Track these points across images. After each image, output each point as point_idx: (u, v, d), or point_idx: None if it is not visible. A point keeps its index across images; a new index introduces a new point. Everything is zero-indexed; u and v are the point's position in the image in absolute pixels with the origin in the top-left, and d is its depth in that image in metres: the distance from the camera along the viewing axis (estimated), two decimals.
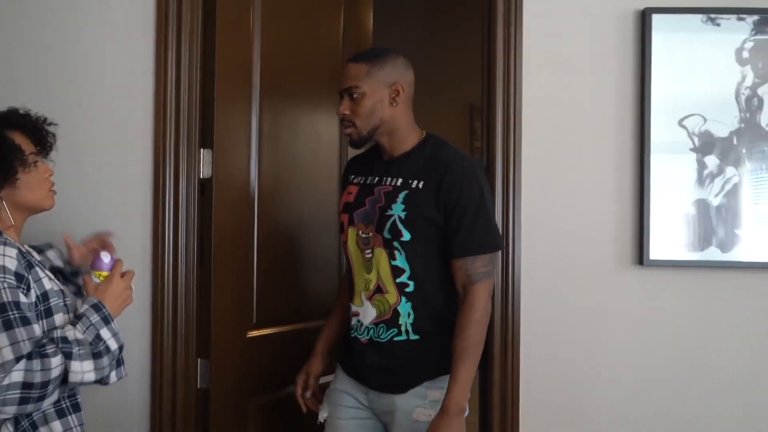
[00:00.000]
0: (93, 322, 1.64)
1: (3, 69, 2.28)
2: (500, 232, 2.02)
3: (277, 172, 2.46)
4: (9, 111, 1.73)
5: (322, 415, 2.08)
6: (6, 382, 1.49)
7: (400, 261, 1.94)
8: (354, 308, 2.03)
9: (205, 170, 2.24)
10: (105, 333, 1.65)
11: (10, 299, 1.54)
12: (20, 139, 1.68)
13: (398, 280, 1.95)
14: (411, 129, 2.02)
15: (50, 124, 1.79)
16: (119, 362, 1.71)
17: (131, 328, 2.16)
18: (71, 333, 1.61)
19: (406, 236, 1.91)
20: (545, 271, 2.27)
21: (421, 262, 1.94)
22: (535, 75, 2.26)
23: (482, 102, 2.36)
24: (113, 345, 1.66)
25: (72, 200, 2.20)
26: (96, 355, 1.62)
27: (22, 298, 1.57)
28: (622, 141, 2.25)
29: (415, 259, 1.93)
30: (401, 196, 1.94)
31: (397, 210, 1.93)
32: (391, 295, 1.96)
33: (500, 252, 2.04)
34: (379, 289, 1.97)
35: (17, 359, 1.51)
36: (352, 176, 2.11)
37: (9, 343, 1.51)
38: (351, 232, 2.03)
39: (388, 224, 1.93)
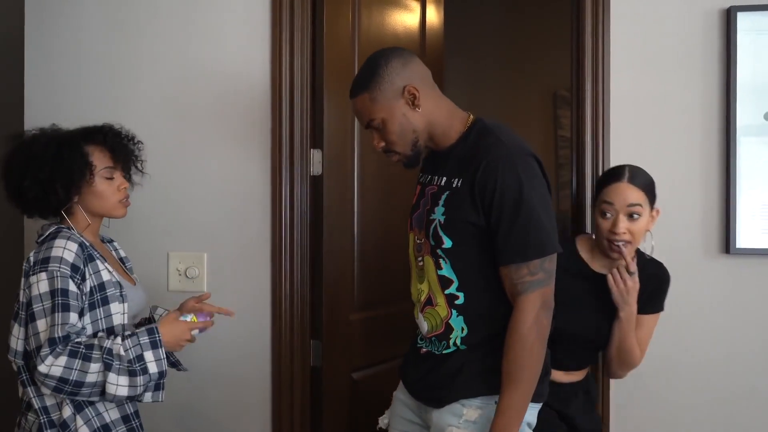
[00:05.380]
0: (141, 341, 1.73)
1: (123, 75, 2.49)
2: (552, 231, 1.69)
3: (372, 168, 2.62)
4: (95, 127, 1.91)
5: (383, 422, 2.00)
6: (45, 371, 1.63)
7: (447, 270, 1.73)
8: (416, 319, 1.89)
9: (315, 169, 2.42)
10: (148, 355, 1.72)
11: (59, 286, 1.69)
12: (97, 154, 1.86)
13: (447, 292, 1.74)
14: (450, 118, 1.79)
15: (137, 142, 1.97)
16: (159, 386, 1.77)
17: (255, 313, 2.40)
18: (117, 347, 1.70)
19: (447, 243, 1.71)
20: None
21: (470, 271, 1.72)
22: (622, 72, 2.32)
23: (572, 98, 2.44)
24: (153, 369, 1.72)
25: (202, 197, 2.44)
26: (131, 372, 1.69)
27: (72, 287, 1.71)
28: (707, 133, 2.29)
29: (462, 267, 1.72)
30: (443, 197, 1.74)
31: (438, 214, 1.73)
32: (441, 308, 1.76)
33: (555, 255, 1.70)
34: (430, 301, 1.79)
35: (50, 341, 1.65)
36: (420, 175, 1.93)
37: (48, 326, 1.68)
38: (411, 238, 1.88)
39: (431, 229, 1.74)
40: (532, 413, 1.76)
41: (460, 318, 1.74)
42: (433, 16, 2.94)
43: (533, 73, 4.88)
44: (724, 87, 2.28)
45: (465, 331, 1.74)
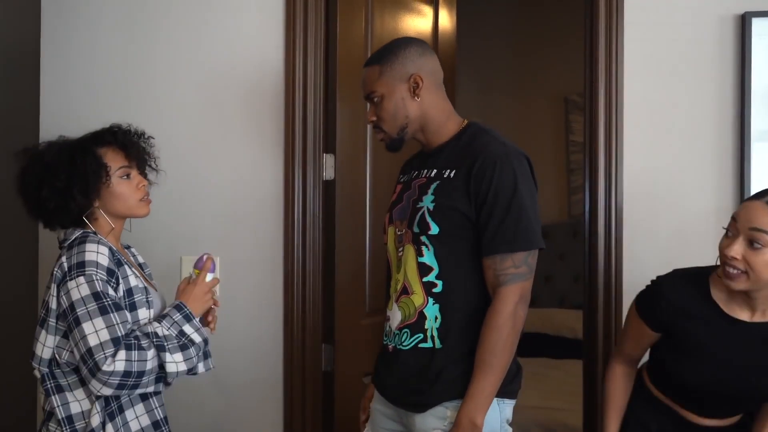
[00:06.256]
0: (176, 319, 1.77)
1: (136, 80, 2.50)
2: (538, 229, 1.75)
3: (384, 173, 2.60)
4: (104, 129, 1.90)
5: None
6: (110, 369, 1.64)
7: (428, 257, 1.77)
8: (387, 312, 1.89)
9: (327, 173, 2.43)
10: (188, 328, 1.78)
11: (102, 289, 1.70)
12: (110, 155, 1.84)
13: (425, 279, 1.77)
14: (447, 118, 1.86)
15: (148, 138, 1.95)
16: (206, 354, 1.83)
17: (267, 317, 2.41)
18: (159, 330, 1.74)
19: (434, 229, 1.74)
20: (647, 268, 2.25)
21: (452, 260, 1.76)
22: (635, 76, 2.32)
23: (584, 103, 2.44)
24: (197, 338, 1.78)
25: (215, 201, 2.46)
26: (183, 347, 1.75)
27: (110, 291, 1.72)
28: (721, 139, 2.29)
29: (444, 255, 1.76)
30: (432, 186, 1.79)
31: (427, 201, 1.78)
32: (417, 296, 1.79)
33: (537, 251, 1.75)
34: (405, 290, 1.81)
35: (113, 340, 1.66)
36: (400, 176, 2.00)
37: (105, 325, 1.67)
38: (390, 231, 1.91)
39: (417, 217, 1.78)
40: (509, 409, 1.79)
41: (436, 306, 1.76)
42: (446, 21, 2.95)
43: (544, 77, 4.89)
44: (738, 92, 2.28)
45: (438, 321, 1.76)
